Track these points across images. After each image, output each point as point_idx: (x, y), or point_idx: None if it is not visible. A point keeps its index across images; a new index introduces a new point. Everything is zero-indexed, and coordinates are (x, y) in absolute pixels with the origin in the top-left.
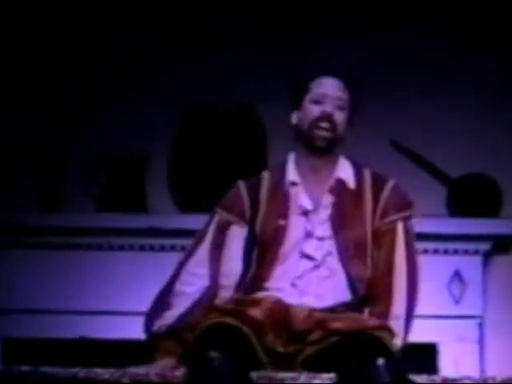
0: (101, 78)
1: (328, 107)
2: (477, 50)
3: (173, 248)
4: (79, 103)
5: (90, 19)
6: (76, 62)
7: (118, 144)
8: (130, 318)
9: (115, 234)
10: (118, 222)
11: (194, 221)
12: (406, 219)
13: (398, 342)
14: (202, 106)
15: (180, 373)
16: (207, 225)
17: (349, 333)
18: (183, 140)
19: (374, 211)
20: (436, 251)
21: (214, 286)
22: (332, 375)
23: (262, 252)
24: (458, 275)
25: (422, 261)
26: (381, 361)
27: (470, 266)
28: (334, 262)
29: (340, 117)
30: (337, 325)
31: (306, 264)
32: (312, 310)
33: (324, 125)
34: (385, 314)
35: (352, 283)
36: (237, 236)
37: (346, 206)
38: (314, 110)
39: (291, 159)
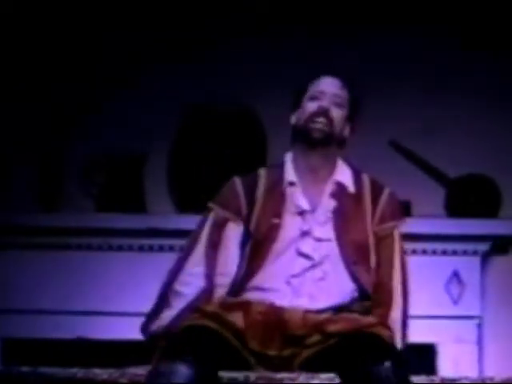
0: (101, 78)
1: (325, 103)
2: (477, 50)
3: (172, 248)
4: (79, 103)
5: (90, 19)
6: (76, 61)
7: (118, 144)
8: (128, 318)
9: (114, 235)
10: (117, 222)
11: (194, 221)
12: (400, 226)
13: (397, 339)
14: (202, 106)
15: None
16: (203, 222)
17: (346, 333)
18: (183, 140)
19: (373, 216)
20: (434, 252)
21: (210, 286)
22: (331, 375)
23: (254, 249)
24: (456, 276)
25: (421, 261)
26: (388, 362)
27: (469, 266)
28: (331, 265)
29: (337, 113)
30: (334, 327)
31: (303, 263)
32: (306, 313)
33: (320, 119)
34: (385, 317)
35: (360, 287)
36: (234, 234)
37: (347, 211)
38: (311, 106)
39: (289, 159)
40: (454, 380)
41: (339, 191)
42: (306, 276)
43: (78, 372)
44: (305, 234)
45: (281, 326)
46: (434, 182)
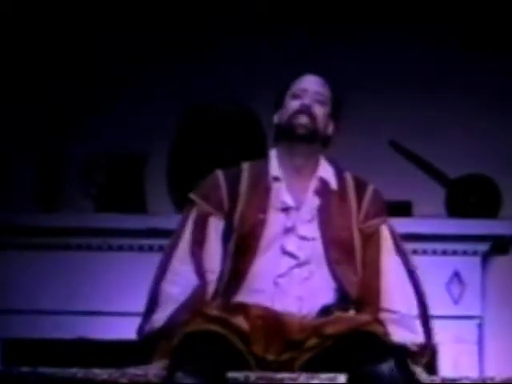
0: (101, 78)
1: (307, 100)
2: (477, 50)
3: None
4: (79, 103)
5: (90, 19)
6: (76, 61)
7: (118, 144)
8: (128, 318)
9: (114, 235)
10: (117, 222)
11: None
12: (386, 222)
13: (397, 337)
14: (202, 106)
15: None
16: (185, 218)
17: (343, 334)
18: (183, 140)
19: (358, 213)
20: (435, 252)
21: (200, 283)
22: (331, 375)
23: (240, 246)
24: (456, 276)
25: (421, 261)
26: (389, 361)
27: (469, 266)
28: (317, 264)
29: (320, 110)
30: (332, 329)
31: (289, 262)
32: (303, 317)
33: (303, 117)
34: (374, 315)
35: (341, 287)
36: (215, 229)
37: (331, 209)
38: (294, 104)
39: (274, 154)
40: (455, 380)
41: (323, 188)
42: (292, 275)
43: (77, 372)
44: (288, 230)
45: (280, 331)
46: (434, 181)
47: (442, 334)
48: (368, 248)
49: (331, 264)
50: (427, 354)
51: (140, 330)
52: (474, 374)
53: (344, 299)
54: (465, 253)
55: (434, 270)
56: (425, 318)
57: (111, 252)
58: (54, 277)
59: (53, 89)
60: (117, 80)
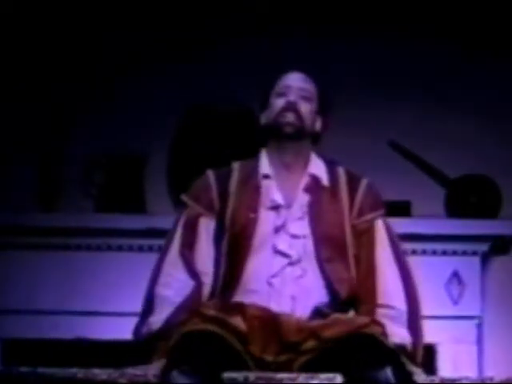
0: (101, 78)
1: (292, 97)
2: (477, 50)
3: None
4: (79, 103)
5: (90, 19)
6: (76, 61)
7: (118, 144)
8: (127, 318)
9: (114, 235)
10: (117, 222)
11: None
12: (382, 216)
13: (395, 336)
14: (202, 106)
15: None
16: (177, 221)
17: (341, 337)
18: (183, 140)
19: (350, 209)
20: (434, 252)
21: (195, 285)
22: (331, 375)
23: (232, 246)
24: (456, 276)
25: (421, 262)
26: (386, 366)
27: (469, 266)
28: (309, 262)
29: (305, 107)
30: (329, 332)
31: (281, 261)
32: (300, 318)
33: (289, 114)
34: (371, 313)
35: (330, 285)
36: (207, 229)
37: (322, 205)
38: (279, 102)
39: (264, 153)
40: (454, 380)
41: (314, 185)
42: (285, 274)
43: (77, 372)
44: (278, 229)
45: (276, 332)
46: (434, 181)
47: (442, 334)
48: (363, 244)
49: (321, 262)
50: (419, 350)
51: (136, 331)
52: (473, 374)
53: (334, 298)
54: (464, 253)
55: (433, 270)
56: (416, 315)
57: (111, 252)
58: (54, 277)
59: (53, 89)
60: (117, 80)
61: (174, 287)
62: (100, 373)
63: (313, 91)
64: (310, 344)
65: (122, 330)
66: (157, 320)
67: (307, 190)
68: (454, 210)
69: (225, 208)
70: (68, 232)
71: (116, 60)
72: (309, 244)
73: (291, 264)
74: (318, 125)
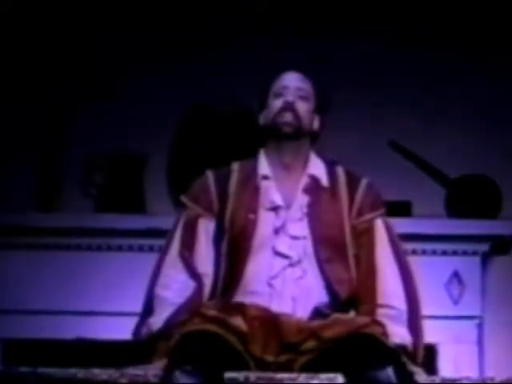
0: (101, 78)
1: (289, 97)
2: (477, 50)
3: None
4: (79, 103)
5: (90, 19)
6: (76, 61)
7: (118, 144)
8: (128, 318)
9: (114, 235)
10: (117, 222)
11: None
12: (382, 216)
13: (395, 336)
14: (202, 106)
15: None
16: (176, 222)
17: (341, 338)
18: (183, 140)
19: (350, 209)
20: (435, 252)
21: (195, 285)
22: (331, 375)
23: (232, 247)
24: (456, 276)
25: (421, 262)
26: (388, 366)
27: (469, 266)
28: (309, 263)
29: (303, 106)
30: (329, 333)
31: (281, 262)
32: (300, 318)
33: (287, 114)
34: (371, 313)
35: (330, 286)
36: (206, 230)
37: (322, 206)
38: (277, 103)
39: (262, 154)
40: (455, 380)
41: (313, 185)
42: (285, 276)
43: (77, 372)
44: (278, 230)
45: (276, 333)
46: (434, 181)
47: (442, 334)
48: (363, 244)
49: (321, 262)
50: (420, 350)
51: (136, 332)
52: (473, 374)
53: (334, 298)
54: (465, 253)
55: (433, 270)
56: (416, 314)
57: (111, 252)
58: (54, 277)
59: (53, 89)
60: (117, 80)
61: (174, 288)
62: (100, 373)
63: (310, 90)
64: (311, 344)
65: (122, 330)
66: (156, 320)
67: (306, 190)
68: (454, 209)
69: (224, 209)
70: (68, 232)
71: (116, 60)
72: (308, 245)
73: (291, 265)
74: (316, 124)
